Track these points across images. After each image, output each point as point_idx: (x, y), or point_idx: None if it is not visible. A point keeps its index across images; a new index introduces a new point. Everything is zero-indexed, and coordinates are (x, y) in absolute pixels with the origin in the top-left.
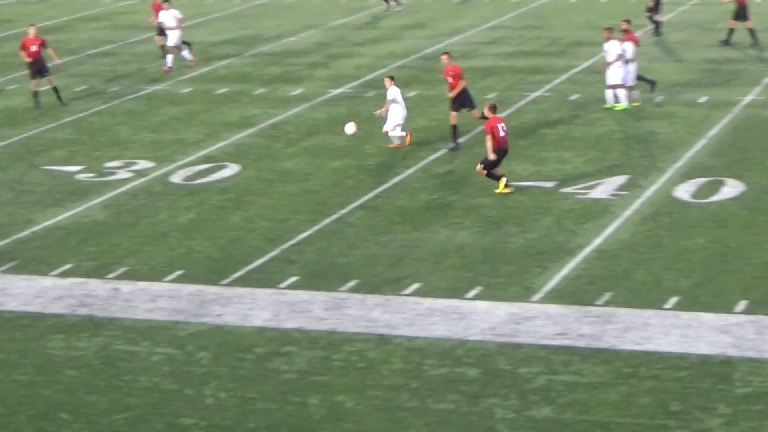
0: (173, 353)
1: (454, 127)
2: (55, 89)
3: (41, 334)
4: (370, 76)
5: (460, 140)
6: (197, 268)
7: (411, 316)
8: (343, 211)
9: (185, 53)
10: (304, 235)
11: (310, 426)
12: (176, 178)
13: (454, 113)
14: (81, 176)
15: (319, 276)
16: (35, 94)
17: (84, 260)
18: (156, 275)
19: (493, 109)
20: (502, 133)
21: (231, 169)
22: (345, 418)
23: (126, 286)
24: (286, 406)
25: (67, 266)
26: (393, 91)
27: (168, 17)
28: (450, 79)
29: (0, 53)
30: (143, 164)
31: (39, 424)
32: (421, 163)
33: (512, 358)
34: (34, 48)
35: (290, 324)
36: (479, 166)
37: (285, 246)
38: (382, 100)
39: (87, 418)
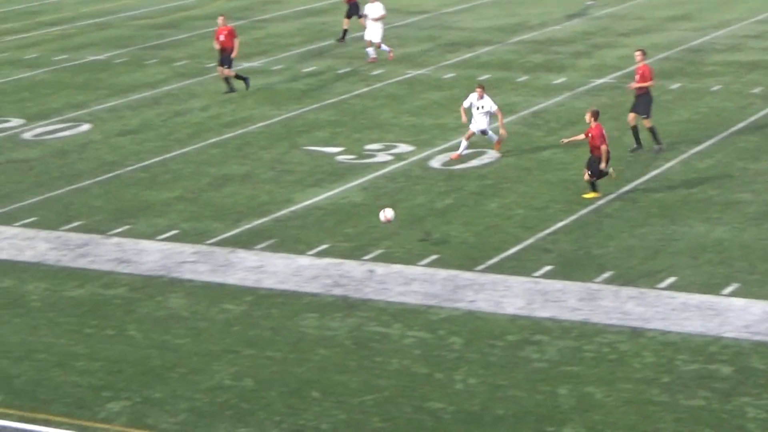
0: (425, 337)
1: (650, 129)
2: (227, 80)
3: (296, 313)
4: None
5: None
6: (452, 253)
7: (665, 310)
8: (601, 202)
9: (384, 47)
10: (560, 224)
11: (559, 416)
12: (435, 163)
13: (633, 115)
14: (341, 158)
15: (574, 266)
16: (226, 80)
17: (341, 241)
18: (411, 259)
19: (596, 115)
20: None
21: (490, 156)
22: (593, 410)
23: (381, 268)
24: (535, 394)
25: (324, 246)
26: (483, 102)
27: (373, 10)
28: (637, 77)
29: (266, 34)
30: (403, 148)
31: (290, 401)
32: (682, 156)
33: (767, 357)
34: (222, 37)
35: (543, 313)
36: (588, 175)
37: (541, 234)
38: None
39: (337, 398)
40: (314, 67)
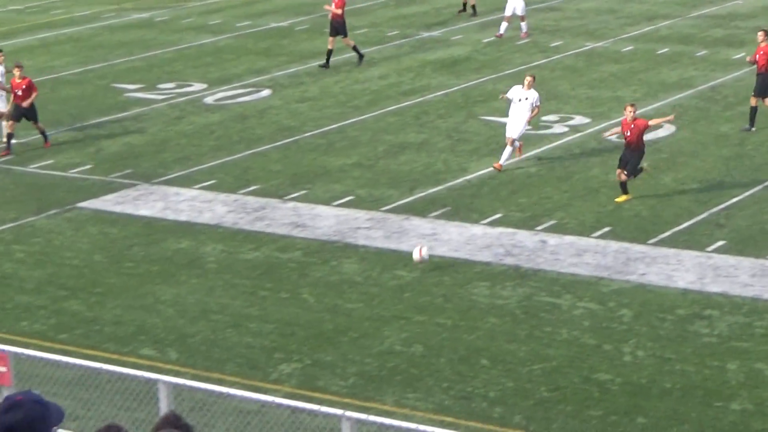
0: (595, 308)
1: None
2: (355, 48)
3: (467, 281)
4: None
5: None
6: (625, 226)
7: None
8: None
9: (523, 24)
10: (735, 199)
11: (727, 391)
12: (611, 136)
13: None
14: None
15: (748, 242)
16: (329, 52)
17: (514, 211)
18: (584, 230)
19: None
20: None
21: (666, 130)
22: (762, 386)
23: (553, 239)
24: (703, 369)
25: (497, 216)
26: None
27: None
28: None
29: (447, 4)
30: (579, 120)
31: (458, 367)
32: None
33: None
34: (338, 11)
35: (714, 288)
36: (624, 175)
37: (714, 209)
38: None
39: (505, 366)
40: (493, 38)
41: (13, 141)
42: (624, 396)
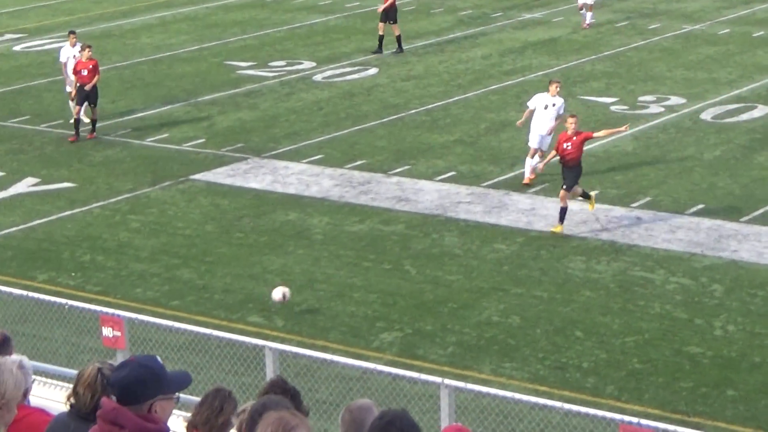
0: (687, 283)
1: None
2: (398, 38)
3: (564, 255)
4: None
5: None
6: (718, 204)
7: None
8: None
9: (588, 14)
10: None
11: None
12: (706, 116)
13: None
14: (615, 108)
15: None
16: (380, 38)
17: (610, 187)
18: (678, 207)
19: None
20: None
21: (760, 111)
22: None
23: (647, 215)
24: None
25: (594, 192)
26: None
27: None
28: None
29: None
30: (675, 100)
31: (554, 338)
32: None
33: None
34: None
35: None
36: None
37: None
38: None
39: (599, 338)
40: (593, 20)
41: (86, 125)
42: (714, 369)
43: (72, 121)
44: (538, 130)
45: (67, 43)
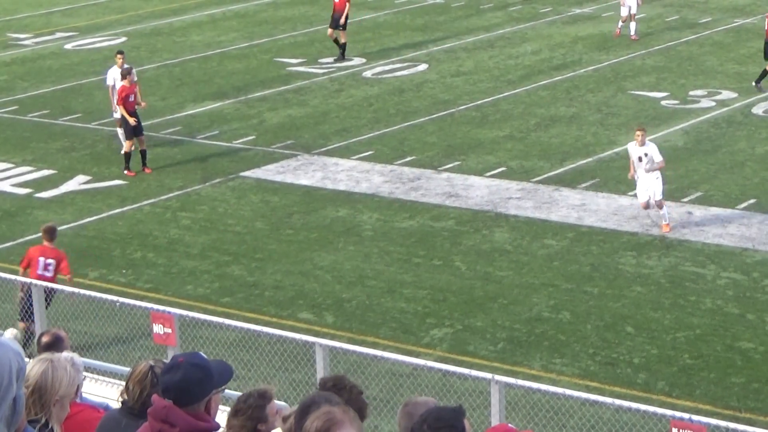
0: (739, 279)
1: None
2: (343, 45)
3: (614, 250)
4: None
5: None
6: None
7: None
8: None
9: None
10: None
11: None
12: (758, 110)
13: None
14: (665, 102)
15: None
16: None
17: None
18: (729, 202)
19: None
20: None
21: None
22: None
23: (699, 210)
24: None
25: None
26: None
27: None
28: None
29: None
30: (726, 94)
31: (604, 334)
32: None
33: None
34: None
35: None
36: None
37: None
38: None
39: (650, 333)
40: (644, 15)
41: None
42: (766, 364)
43: (123, 153)
44: (642, 185)
45: (115, 66)
